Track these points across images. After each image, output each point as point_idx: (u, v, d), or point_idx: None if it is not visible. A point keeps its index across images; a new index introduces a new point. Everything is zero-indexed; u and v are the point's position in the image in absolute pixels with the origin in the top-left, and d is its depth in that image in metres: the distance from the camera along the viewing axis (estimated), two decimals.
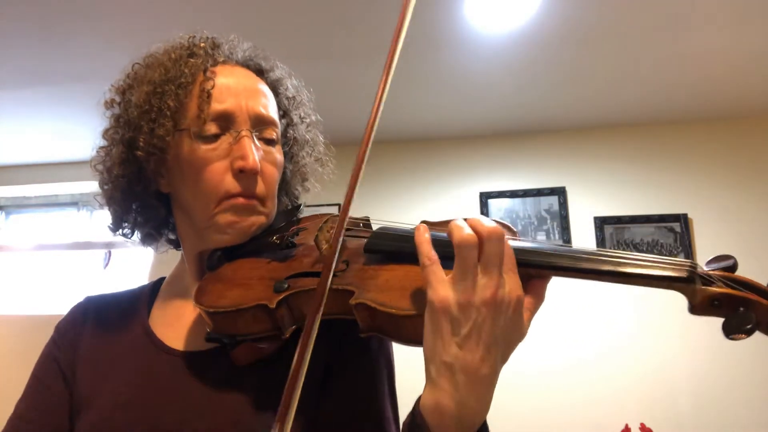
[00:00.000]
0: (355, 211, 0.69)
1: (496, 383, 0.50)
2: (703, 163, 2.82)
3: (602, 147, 2.94)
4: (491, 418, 0.52)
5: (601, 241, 2.78)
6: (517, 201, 2.91)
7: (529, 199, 2.90)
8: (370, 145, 0.57)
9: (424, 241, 0.51)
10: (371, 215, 0.73)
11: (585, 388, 2.61)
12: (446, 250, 0.49)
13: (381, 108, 0.58)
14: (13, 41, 2.11)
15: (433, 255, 0.50)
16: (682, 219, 2.73)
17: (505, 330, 0.49)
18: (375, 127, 0.57)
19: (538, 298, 0.53)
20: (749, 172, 2.77)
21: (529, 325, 0.52)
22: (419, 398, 0.51)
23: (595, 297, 2.73)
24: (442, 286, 0.48)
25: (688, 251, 2.66)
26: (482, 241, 0.48)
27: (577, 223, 2.83)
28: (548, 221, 2.86)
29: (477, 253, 0.48)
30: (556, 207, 2.87)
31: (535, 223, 2.87)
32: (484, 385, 0.48)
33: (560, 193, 2.89)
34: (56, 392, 0.72)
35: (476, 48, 2.20)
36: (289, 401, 0.48)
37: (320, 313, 0.52)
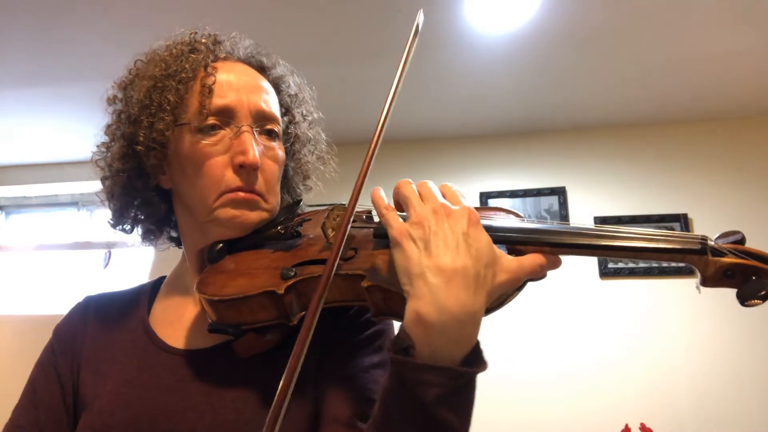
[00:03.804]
0: (356, 209, 0.69)
1: (476, 293, 0.49)
2: (703, 163, 2.82)
3: (602, 147, 2.94)
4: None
5: None
6: (517, 201, 2.91)
7: (529, 199, 2.90)
8: (383, 134, 0.60)
9: (378, 197, 0.59)
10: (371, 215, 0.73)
11: (585, 388, 2.61)
12: None
13: (393, 104, 0.61)
14: (12, 41, 2.11)
15: (390, 205, 0.57)
16: (682, 219, 2.73)
17: (467, 236, 0.51)
18: (387, 120, 0.61)
19: (539, 263, 0.53)
20: (749, 172, 2.77)
21: (520, 275, 0.52)
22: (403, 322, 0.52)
23: (595, 297, 2.73)
24: (397, 222, 0.54)
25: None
26: (417, 185, 0.57)
27: (577, 223, 2.82)
28: (548, 221, 2.86)
29: (414, 188, 0.56)
30: (556, 207, 2.87)
31: None
32: (460, 285, 0.48)
33: (560, 193, 2.89)
34: (50, 398, 0.71)
35: (476, 48, 2.20)
36: (288, 385, 0.48)
37: (324, 295, 0.52)
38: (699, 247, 0.49)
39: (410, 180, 0.58)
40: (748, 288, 0.47)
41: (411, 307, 0.50)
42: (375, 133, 0.60)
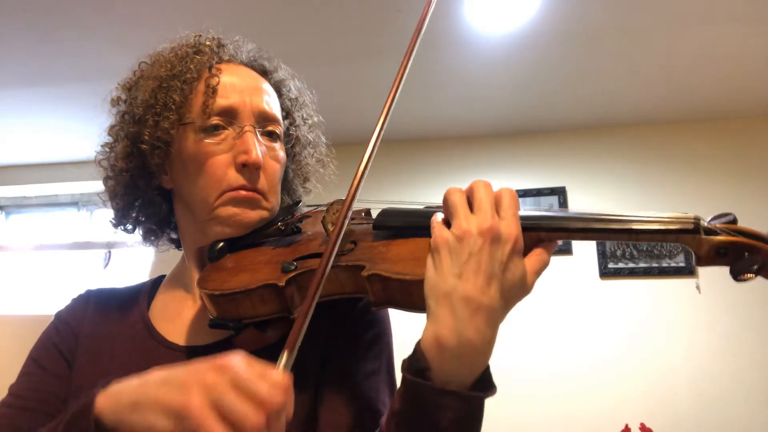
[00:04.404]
0: (354, 207, 0.70)
1: (496, 323, 0.50)
2: (703, 163, 2.83)
3: (602, 147, 2.94)
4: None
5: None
6: None
7: (529, 199, 2.91)
8: (383, 130, 0.60)
9: (431, 213, 0.57)
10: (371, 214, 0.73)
11: (585, 388, 2.61)
12: None
13: (394, 101, 0.62)
14: (13, 41, 2.11)
15: (441, 216, 0.55)
16: None
17: (503, 266, 0.50)
18: (388, 118, 0.61)
19: (545, 260, 0.54)
20: (749, 172, 2.77)
21: (533, 284, 0.52)
22: (419, 339, 0.52)
23: (595, 297, 2.73)
24: (441, 229, 0.53)
25: (689, 250, 2.66)
26: (471, 189, 0.54)
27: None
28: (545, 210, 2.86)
29: (464, 197, 0.53)
30: (556, 207, 2.88)
31: None
32: (483, 318, 0.48)
33: (560, 193, 2.89)
34: (55, 374, 0.72)
35: (476, 48, 2.20)
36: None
37: (322, 281, 0.53)
38: (692, 226, 0.50)
39: (461, 188, 0.54)
40: (741, 264, 0.48)
41: (431, 330, 0.50)
42: (377, 124, 0.60)
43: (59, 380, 0.71)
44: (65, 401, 0.70)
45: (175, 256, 0.85)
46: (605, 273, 2.75)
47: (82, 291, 0.83)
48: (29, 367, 0.74)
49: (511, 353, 2.66)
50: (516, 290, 0.51)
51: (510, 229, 0.50)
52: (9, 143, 3.08)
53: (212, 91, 0.69)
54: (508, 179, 2.97)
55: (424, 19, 0.66)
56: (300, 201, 0.81)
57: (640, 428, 2.39)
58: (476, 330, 0.48)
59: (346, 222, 0.57)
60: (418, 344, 0.51)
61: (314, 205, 0.79)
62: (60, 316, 0.79)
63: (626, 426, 2.39)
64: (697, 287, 2.63)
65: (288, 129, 0.80)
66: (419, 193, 3.00)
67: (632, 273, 2.72)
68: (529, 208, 0.56)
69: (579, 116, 2.86)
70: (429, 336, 0.50)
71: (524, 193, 2.92)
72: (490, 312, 0.49)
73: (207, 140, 0.69)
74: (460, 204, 0.52)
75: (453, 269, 0.49)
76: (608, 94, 2.62)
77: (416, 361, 0.50)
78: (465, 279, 0.49)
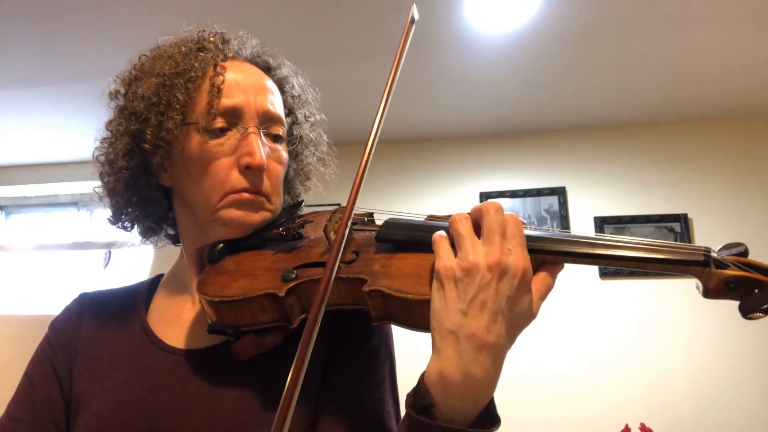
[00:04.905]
0: (356, 210, 0.69)
1: (502, 358, 0.50)
2: (703, 163, 2.82)
3: (602, 147, 2.94)
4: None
5: None
6: (517, 201, 2.91)
7: (529, 199, 2.90)
8: (378, 133, 0.59)
9: (436, 228, 0.55)
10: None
11: (585, 388, 2.61)
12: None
13: (388, 103, 0.61)
14: (12, 41, 2.11)
15: (444, 233, 0.53)
16: (682, 219, 2.73)
17: (511, 300, 0.49)
18: (383, 118, 0.60)
19: (549, 284, 0.53)
20: (749, 172, 2.77)
21: (538, 309, 0.51)
22: (424, 372, 0.51)
23: (595, 297, 2.73)
24: (448, 255, 0.51)
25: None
26: (481, 213, 0.51)
27: (577, 223, 2.83)
28: (548, 221, 2.87)
29: (470, 225, 0.51)
30: (556, 207, 2.88)
31: (535, 222, 2.88)
32: (489, 356, 0.48)
33: (560, 193, 2.89)
34: (46, 392, 0.71)
35: (476, 48, 2.20)
36: (292, 390, 0.48)
37: (326, 299, 0.52)
38: (702, 259, 0.48)
39: (467, 215, 0.52)
40: (751, 301, 0.47)
41: (436, 366, 0.49)
42: (371, 134, 0.60)
43: (49, 397, 0.71)
44: (60, 416, 0.70)
45: (174, 255, 0.84)
46: (605, 273, 2.75)
47: (76, 296, 0.81)
48: (23, 384, 0.74)
49: (511, 353, 2.65)
50: (522, 321, 0.50)
51: (518, 261, 0.49)
52: (9, 143, 3.08)
53: (217, 91, 0.68)
54: (508, 179, 2.97)
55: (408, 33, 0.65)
56: (302, 201, 0.80)
57: (640, 428, 2.39)
58: (481, 367, 0.48)
59: (344, 241, 0.56)
60: (422, 379, 0.51)
61: (316, 205, 0.78)
62: (54, 327, 0.78)
63: (626, 426, 2.39)
64: (698, 287, 2.62)
65: (290, 127, 0.79)
66: (419, 193, 3.00)
67: (632, 273, 2.72)
68: (534, 228, 0.55)
69: (579, 116, 2.86)
70: (433, 372, 0.49)
71: (524, 193, 2.92)
72: (495, 349, 0.48)
73: (211, 141, 0.68)
74: (467, 234, 0.51)
75: (459, 305, 0.48)
76: (608, 95, 2.62)
77: (421, 398, 0.50)
78: (471, 317, 0.48)
